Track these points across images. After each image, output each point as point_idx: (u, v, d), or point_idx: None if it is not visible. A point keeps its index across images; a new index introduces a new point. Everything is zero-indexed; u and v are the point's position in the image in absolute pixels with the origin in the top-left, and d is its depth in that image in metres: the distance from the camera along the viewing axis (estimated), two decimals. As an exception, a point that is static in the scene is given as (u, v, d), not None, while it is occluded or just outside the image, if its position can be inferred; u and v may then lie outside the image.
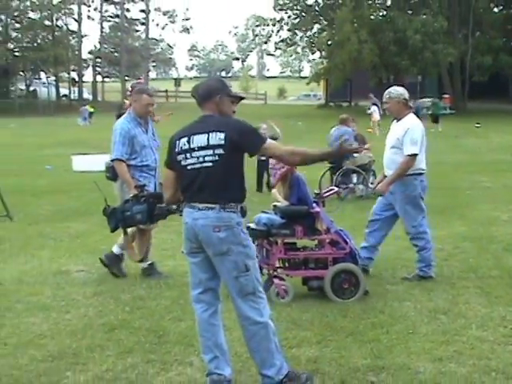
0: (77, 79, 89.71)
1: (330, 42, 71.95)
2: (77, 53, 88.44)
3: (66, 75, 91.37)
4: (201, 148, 5.67)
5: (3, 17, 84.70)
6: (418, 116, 10.07)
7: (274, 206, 8.94)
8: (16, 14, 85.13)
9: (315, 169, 19.34)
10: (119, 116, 29.46)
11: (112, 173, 9.57)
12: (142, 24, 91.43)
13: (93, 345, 6.99)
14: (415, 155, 9.16)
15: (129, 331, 7.41)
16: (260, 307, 5.81)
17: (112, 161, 9.55)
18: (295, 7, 73.82)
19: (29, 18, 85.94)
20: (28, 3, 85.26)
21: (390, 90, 9.68)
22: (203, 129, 5.73)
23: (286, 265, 8.78)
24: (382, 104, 17.35)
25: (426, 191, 9.72)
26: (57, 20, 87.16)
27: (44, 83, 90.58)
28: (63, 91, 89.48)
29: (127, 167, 9.39)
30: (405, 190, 9.39)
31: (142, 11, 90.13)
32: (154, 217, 9.25)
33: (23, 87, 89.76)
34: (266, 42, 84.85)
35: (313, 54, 79.96)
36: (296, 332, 7.36)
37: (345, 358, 6.58)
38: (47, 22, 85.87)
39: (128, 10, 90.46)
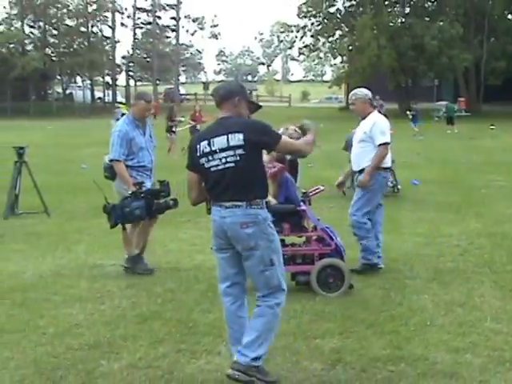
0: (111, 83, 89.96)
1: (350, 48, 71.86)
2: (111, 58, 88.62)
3: (101, 79, 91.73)
4: (222, 150, 5.67)
5: (41, 23, 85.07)
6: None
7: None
8: (53, 20, 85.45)
9: (337, 167, 19.36)
10: (169, 118, 29.38)
11: (110, 172, 9.62)
12: (173, 30, 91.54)
13: (126, 334, 7.04)
14: (387, 143, 9.40)
15: (160, 322, 7.44)
16: (280, 300, 5.87)
17: (110, 161, 9.56)
18: (318, 14, 73.61)
19: (65, 24, 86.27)
20: (65, 11, 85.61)
21: (355, 91, 9.86)
22: (222, 131, 5.72)
23: None
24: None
25: (386, 188, 10.02)
26: (92, 27, 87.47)
27: (80, 87, 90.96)
28: (98, 94, 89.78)
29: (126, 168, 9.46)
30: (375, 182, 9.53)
31: (173, 18, 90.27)
32: (153, 212, 9.39)
33: (60, 90, 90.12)
34: (290, 48, 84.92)
35: (334, 58, 79.72)
36: (319, 324, 7.37)
37: (365, 349, 6.59)
38: (83, 29, 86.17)
39: (159, 18, 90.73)
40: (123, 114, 41.27)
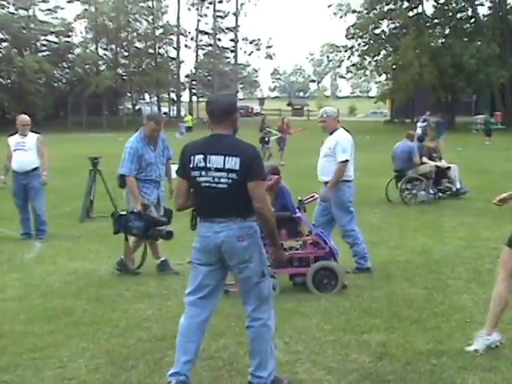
0: (175, 99, 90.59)
1: (394, 66, 71.52)
2: (175, 77, 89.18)
3: (166, 96, 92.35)
4: (217, 169, 5.26)
5: (113, 46, 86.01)
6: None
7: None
8: (124, 43, 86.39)
9: (383, 176, 19.24)
10: (261, 129, 28.67)
11: (121, 183, 9.71)
12: (232, 51, 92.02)
13: (190, 328, 7.04)
14: (346, 161, 9.43)
15: (220, 317, 7.41)
16: (270, 310, 5.59)
17: (121, 175, 9.62)
18: (364, 36, 73.26)
19: (135, 47, 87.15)
20: (134, 34, 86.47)
21: (325, 109, 10.06)
22: (220, 150, 5.29)
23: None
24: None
25: (355, 196, 9.90)
26: (159, 48, 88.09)
27: (148, 103, 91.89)
28: (164, 110, 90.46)
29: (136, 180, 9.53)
30: (336, 194, 9.56)
31: (232, 40, 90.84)
32: (148, 236, 9.49)
33: (130, 106, 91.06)
34: (338, 66, 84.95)
35: (379, 76, 79.16)
36: (367, 320, 7.33)
37: (409, 343, 6.54)
38: (151, 51, 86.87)
39: (219, 40, 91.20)
40: (189, 127, 41.27)
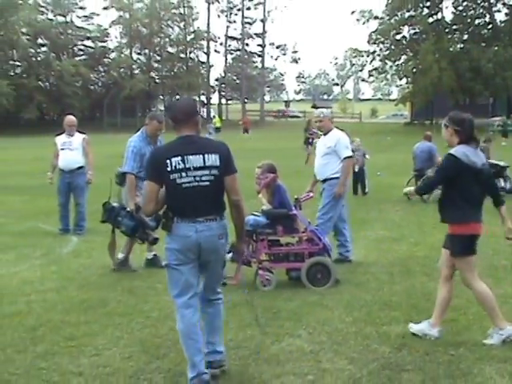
0: (205, 102, 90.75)
1: (414, 70, 70.98)
2: (206, 80, 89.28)
3: (197, 98, 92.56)
4: (197, 168, 5.23)
5: (147, 51, 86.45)
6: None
7: (262, 209, 8.87)
8: (157, 48, 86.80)
9: (403, 175, 19.16)
10: (306, 130, 27.61)
11: (120, 180, 9.54)
12: (259, 56, 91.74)
13: (219, 319, 7.06)
14: (351, 156, 9.65)
15: (248, 308, 7.45)
16: (222, 293, 5.83)
17: (124, 173, 9.47)
18: (386, 41, 72.93)
19: (167, 52, 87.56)
20: (167, 40, 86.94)
21: (322, 110, 10.41)
22: (198, 149, 5.29)
23: (272, 258, 8.73)
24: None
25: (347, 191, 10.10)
26: (190, 53, 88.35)
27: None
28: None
29: (135, 178, 9.32)
30: (331, 188, 9.67)
31: (259, 45, 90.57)
32: (134, 236, 9.35)
33: (162, 108, 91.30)
34: (360, 71, 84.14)
35: (400, 80, 78.73)
36: (387, 312, 7.31)
37: (428, 335, 6.48)
38: (182, 55, 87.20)
39: (247, 45, 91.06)
40: (217, 128, 41.00)
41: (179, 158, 5.23)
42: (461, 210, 6.22)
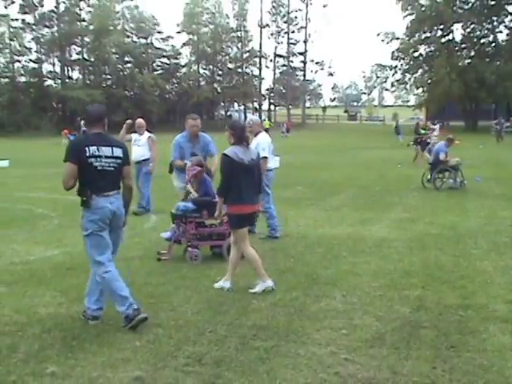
0: (258, 108, 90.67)
1: (429, 82, 70.38)
2: (258, 90, 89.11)
3: (251, 105, 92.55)
4: (107, 157, 5.60)
5: (211, 66, 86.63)
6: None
7: (190, 197, 8.74)
8: (219, 64, 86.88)
9: (417, 168, 18.86)
10: (416, 132, 25.40)
11: (170, 169, 9.77)
12: (301, 70, 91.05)
13: (269, 282, 7.03)
14: (266, 157, 9.42)
15: (292, 274, 7.45)
16: None
17: (170, 163, 9.66)
18: (405, 57, 72.15)
19: (227, 67, 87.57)
20: (227, 57, 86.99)
21: (251, 117, 10.68)
22: (108, 143, 5.66)
23: (198, 237, 8.51)
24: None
25: (273, 181, 10.04)
26: (245, 68, 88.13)
27: (236, 110, 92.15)
28: (248, 115, 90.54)
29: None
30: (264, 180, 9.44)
31: (302, 62, 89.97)
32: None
33: (223, 113, 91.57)
34: (384, 82, 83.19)
35: (417, 89, 77.52)
36: (407, 279, 7.21)
37: (441, 299, 6.42)
38: (239, 70, 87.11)
39: (292, 61, 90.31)
40: (266, 129, 40.31)
41: (95, 147, 5.57)
42: (236, 194, 6.69)
